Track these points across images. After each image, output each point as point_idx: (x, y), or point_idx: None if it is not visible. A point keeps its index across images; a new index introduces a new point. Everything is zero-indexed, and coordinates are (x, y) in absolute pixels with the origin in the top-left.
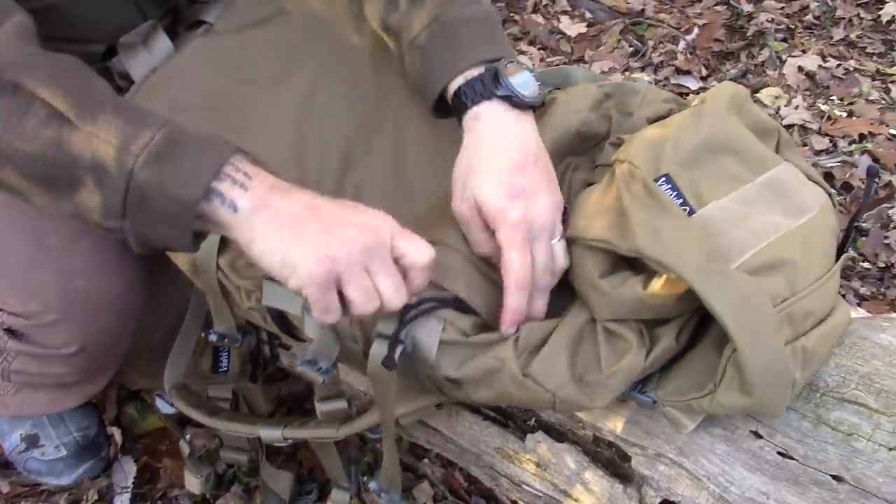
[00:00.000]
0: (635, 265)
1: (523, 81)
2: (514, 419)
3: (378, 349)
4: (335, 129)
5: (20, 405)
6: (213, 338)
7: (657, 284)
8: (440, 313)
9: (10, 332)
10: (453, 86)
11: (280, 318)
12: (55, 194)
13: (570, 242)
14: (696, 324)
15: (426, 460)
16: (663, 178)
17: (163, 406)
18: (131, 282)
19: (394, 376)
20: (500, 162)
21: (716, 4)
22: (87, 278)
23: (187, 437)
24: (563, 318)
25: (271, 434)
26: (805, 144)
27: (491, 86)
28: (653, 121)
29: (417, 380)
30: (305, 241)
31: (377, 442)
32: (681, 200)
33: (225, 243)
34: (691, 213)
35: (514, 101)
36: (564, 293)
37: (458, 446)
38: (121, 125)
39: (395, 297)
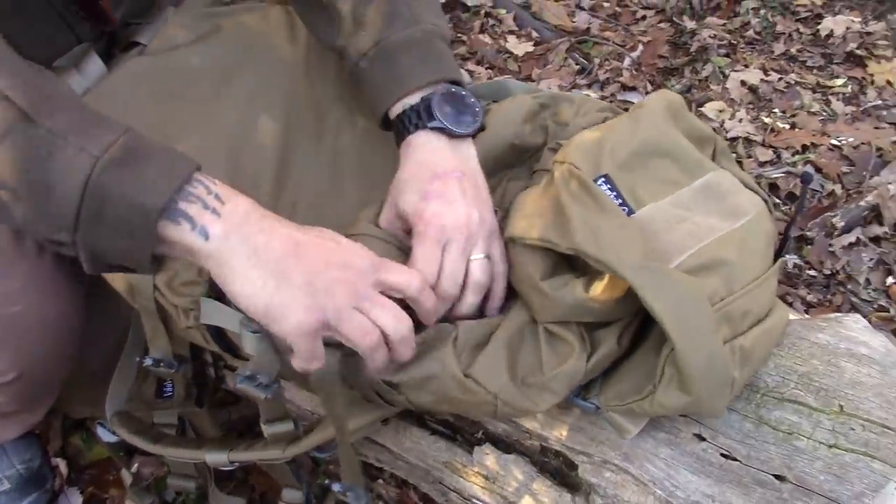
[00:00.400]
0: (576, 267)
1: (458, 111)
2: (462, 432)
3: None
4: (271, 143)
5: None
6: (147, 362)
7: (598, 287)
8: None
9: None
10: (394, 111)
11: (220, 335)
12: (12, 203)
13: (510, 243)
14: (637, 328)
15: (381, 481)
16: (602, 179)
17: (104, 434)
18: (69, 306)
19: (338, 382)
20: (424, 174)
21: (659, 22)
22: (24, 303)
23: (134, 465)
24: (503, 319)
25: (217, 458)
26: (750, 156)
27: (424, 117)
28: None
29: (360, 391)
30: (292, 289)
31: (329, 463)
32: (620, 201)
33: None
34: (630, 213)
35: (447, 131)
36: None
37: (406, 462)
38: (80, 126)
39: (398, 324)
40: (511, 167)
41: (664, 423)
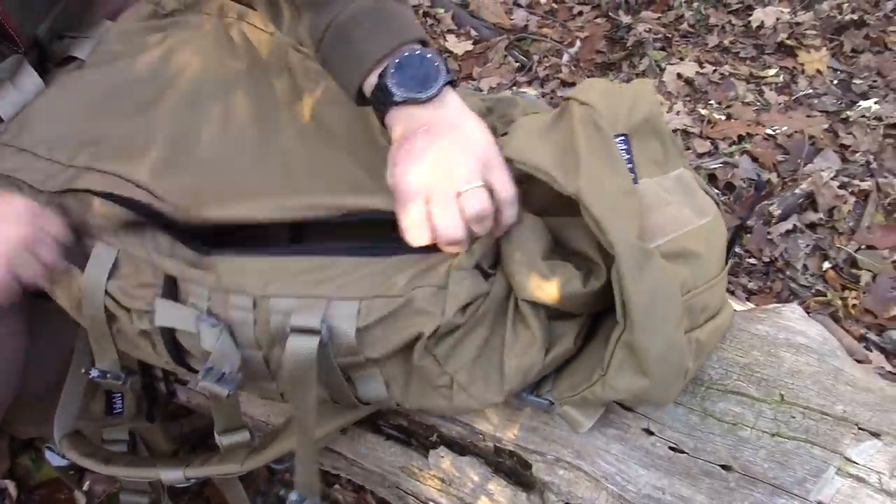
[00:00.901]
0: (564, 249)
1: (421, 74)
2: (417, 436)
3: (296, 343)
4: (212, 153)
5: None
6: (94, 374)
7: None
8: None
9: None
10: (366, 88)
11: (172, 342)
12: None
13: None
14: (589, 324)
15: (337, 486)
16: (622, 139)
17: (53, 458)
18: (12, 328)
19: (313, 372)
20: (404, 141)
21: (596, 17)
22: None
23: (85, 483)
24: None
25: (172, 476)
26: (688, 148)
27: (387, 96)
28: None
29: (331, 388)
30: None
31: (285, 472)
32: (630, 166)
33: (116, 268)
34: (634, 182)
35: (414, 101)
36: None
37: (362, 468)
38: None
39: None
40: None
41: (614, 419)
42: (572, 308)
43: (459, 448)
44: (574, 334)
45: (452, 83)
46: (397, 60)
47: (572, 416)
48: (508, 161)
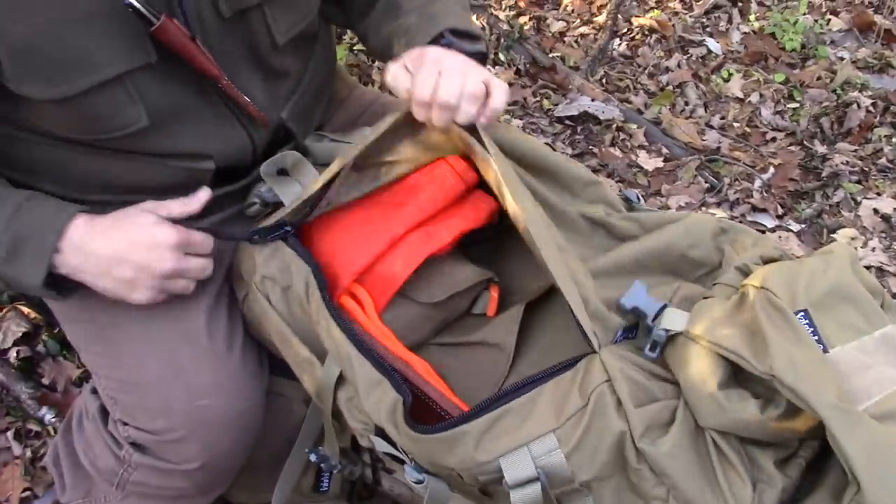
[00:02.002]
0: (746, 384)
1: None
2: None
3: (520, 497)
4: None
5: None
6: (313, 457)
7: (788, 419)
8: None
9: (135, 445)
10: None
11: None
12: None
13: (688, 340)
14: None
15: None
16: (802, 313)
17: None
18: (252, 402)
19: None
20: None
21: (790, 145)
22: (213, 397)
23: None
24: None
25: None
26: (883, 286)
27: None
28: (767, 260)
29: None
30: None
31: None
32: (816, 337)
33: (342, 379)
34: (824, 351)
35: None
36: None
37: None
38: None
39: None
40: (675, 275)
41: None
42: (763, 437)
43: None
44: (771, 460)
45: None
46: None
47: None
48: (691, 338)
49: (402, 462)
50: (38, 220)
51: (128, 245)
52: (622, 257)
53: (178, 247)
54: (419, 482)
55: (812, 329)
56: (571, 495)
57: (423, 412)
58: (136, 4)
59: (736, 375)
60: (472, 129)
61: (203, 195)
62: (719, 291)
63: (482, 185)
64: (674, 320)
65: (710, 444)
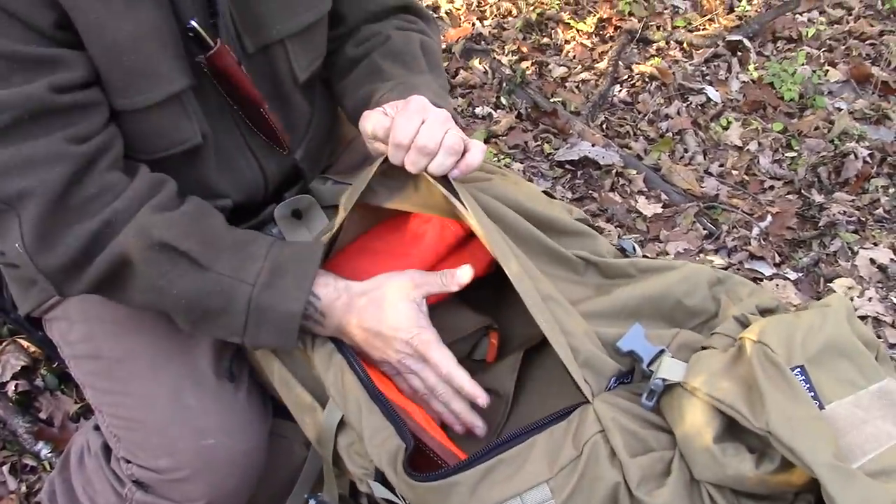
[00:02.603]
0: (742, 437)
1: None
2: None
3: None
4: None
5: None
6: (312, 503)
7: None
8: None
9: (138, 483)
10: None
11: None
12: (194, 322)
13: (684, 392)
14: None
15: None
16: (798, 369)
17: None
18: (257, 442)
19: None
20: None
21: (788, 193)
22: (218, 437)
23: None
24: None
25: None
26: (880, 337)
27: None
28: (763, 311)
29: None
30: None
31: None
32: (812, 394)
33: (343, 424)
34: (820, 408)
35: None
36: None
37: None
38: (237, 263)
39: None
40: (672, 323)
41: None
42: (755, 489)
43: None
44: None
45: None
46: None
47: None
48: (687, 390)
49: None
50: (295, 254)
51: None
52: (619, 300)
53: (415, 353)
54: None
55: (808, 385)
56: None
57: (421, 460)
58: (198, 28)
59: (731, 427)
60: (445, 182)
61: (465, 276)
62: (717, 341)
63: None
64: (671, 370)
65: (706, 496)
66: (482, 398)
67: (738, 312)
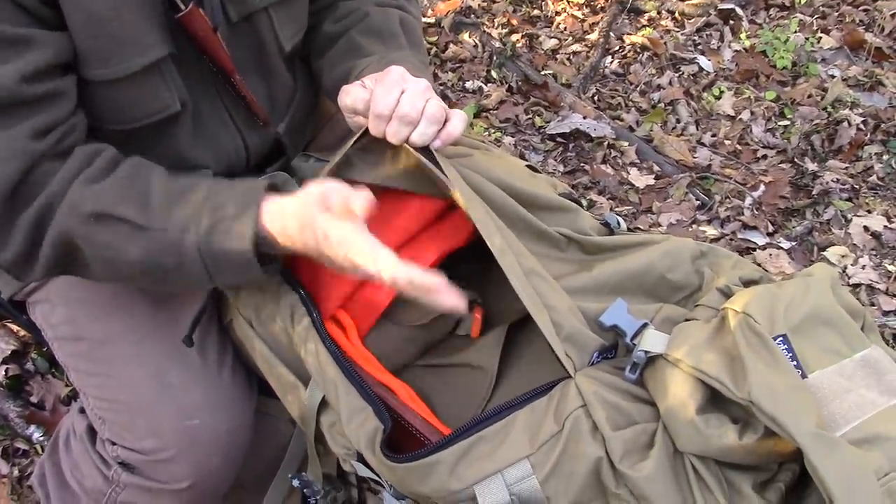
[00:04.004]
0: (724, 407)
1: None
2: None
3: None
4: None
5: None
6: (296, 483)
7: (762, 442)
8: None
9: (124, 464)
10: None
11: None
12: (160, 282)
13: (666, 363)
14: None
15: None
16: (781, 338)
17: None
18: (242, 421)
19: None
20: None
21: (781, 162)
22: (203, 417)
23: None
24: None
25: None
26: (873, 304)
27: None
28: (746, 282)
29: None
30: None
31: None
32: (795, 363)
33: (325, 404)
34: (803, 377)
35: None
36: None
37: None
38: (178, 214)
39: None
40: (656, 298)
41: None
42: (738, 459)
43: None
44: (749, 484)
45: None
46: None
47: None
48: (669, 361)
49: (383, 487)
50: (232, 196)
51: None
52: (601, 276)
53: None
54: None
55: (791, 354)
56: None
57: (404, 438)
58: None
59: (714, 398)
60: (427, 153)
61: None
62: (701, 313)
63: None
64: (654, 342)
65: (690, 468)
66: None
67: (723, 284)
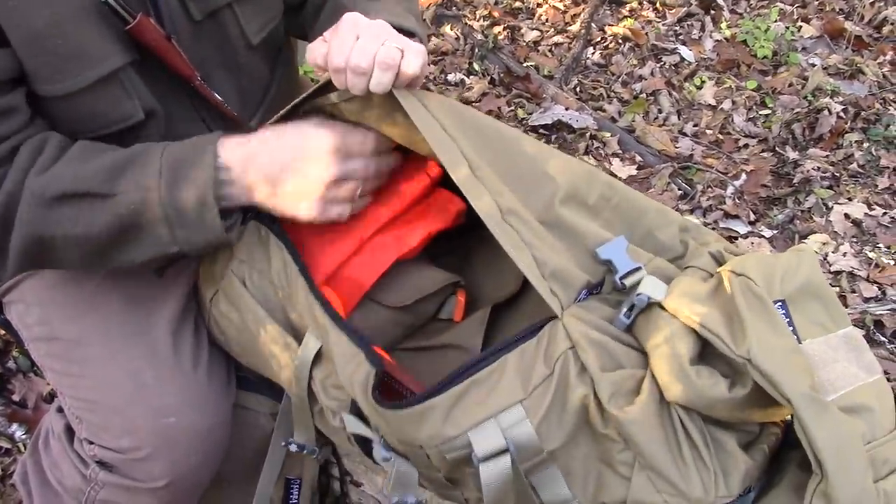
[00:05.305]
0: (713, 364)
1: None
2: None
3: (489, 471)
4: None
5: None
6: (293, 447)
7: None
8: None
9: (101, 463)
10: None
11: (363, 440)
12: (125, 250)
13: (660, 309)
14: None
15: None
16: (780, 303)
17: None
18: (219, 418)
19: (511, 492)
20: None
21: (762, 151)
22: (179, 415)
23: None
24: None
25: None
26: (854, 291)
27: None
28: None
29: (517, 498)
30: None
31: None
32: (791, 328)
33: (319, 357)
34: (798, 342)
35: None
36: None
37: None
38: (137, 175)
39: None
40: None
41: None
42: (724, 415)
43: None
44: (734, 439)
45: None
46: None
47: None
48: (664, 308)
49: (372, 444)
50: (189, 145)
51: (290, 153)
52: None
53: (336, 151)
54: (386, 460)
55: (788, 320)
56: (539, 468)
57: (393, 397)
58: (112, 3)
59: (702, 353)
60: (391, 99)
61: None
62: (692, 274)
63: (449, 185)
64: (654, 288)
65: (676, 419)
66: None
67: (714, 249)
